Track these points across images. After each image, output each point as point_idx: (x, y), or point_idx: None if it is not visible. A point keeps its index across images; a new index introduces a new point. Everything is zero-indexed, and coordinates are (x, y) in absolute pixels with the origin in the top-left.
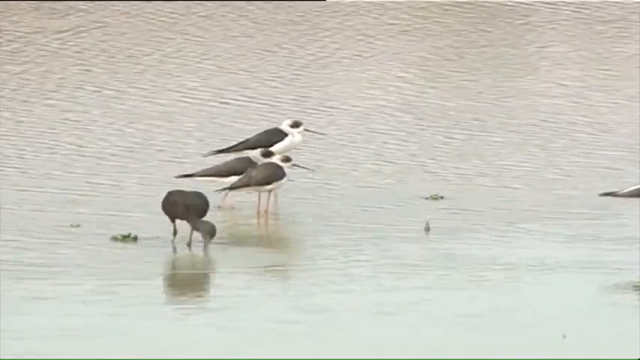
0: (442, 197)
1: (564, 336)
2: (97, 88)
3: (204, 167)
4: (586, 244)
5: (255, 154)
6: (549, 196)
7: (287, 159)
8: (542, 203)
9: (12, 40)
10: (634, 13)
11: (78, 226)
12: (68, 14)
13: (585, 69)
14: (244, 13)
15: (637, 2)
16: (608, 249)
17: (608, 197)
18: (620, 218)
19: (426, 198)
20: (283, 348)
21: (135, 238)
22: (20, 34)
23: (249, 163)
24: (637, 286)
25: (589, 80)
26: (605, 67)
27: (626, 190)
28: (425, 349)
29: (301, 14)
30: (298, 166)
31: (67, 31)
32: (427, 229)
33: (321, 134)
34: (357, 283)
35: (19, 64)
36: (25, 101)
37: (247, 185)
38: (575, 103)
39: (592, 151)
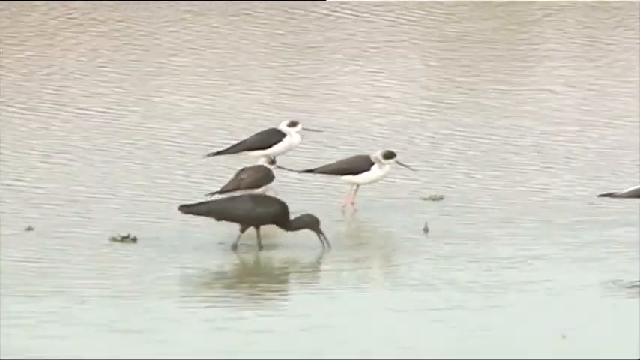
0: (441, 198)
1: (564, 336)
2: (91, 91)
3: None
4: (585, 244)
5: (377, 155)
6: (549, 197)
7: (391, 154)
8: (542, 204)
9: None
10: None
11: (31, 229)
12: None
13: (584, 68)
14: (244, 13)
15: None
16: (608, 249)
17: (608, 198)
18: (620, 219)
19: (425, 199)
20: (250, 354)
21: (134, 239)
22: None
23: (368, 161)
24: (637, 287)
25: (588, 80)
26: (602, 68)
27: (624, 191)
28: (422, 349)
29: (301, 14)
30: (402, 164)
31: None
32: (426, 229)
33: (318, 131)
34: (352, 285)
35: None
36: (25, 101)
37: (237, 189)
38: (575, 104)
39: (591, 151)
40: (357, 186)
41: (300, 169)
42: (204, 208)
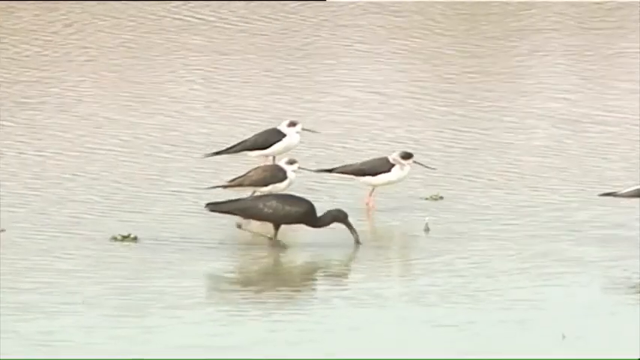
0: (442, 198)
1: (564, 336)
2: (97, 91)
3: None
4: (586, 243)
5: (395, 156)
6: (549, 195)
7: (408, 155)
8: (541, 203)
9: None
10: (631, 10)
11: (3, 230)
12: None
13: (581, 68)
14: (244, 14)
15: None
16: (608, 249)
17: (609, 197)
18: (620, 219)
19: (426, 198)
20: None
21: (135, 239)
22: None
23: (388, 163)
24: (637, 287)
25: (586, 79)
26: (600, 68)
27: (625, 191)
28: (423, 349)
29: (301, 14)
30: (420, 164)
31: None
32: (426, 229)
33: (317, 132)
34: (354, 285)
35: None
36: (24, 103)
37: (241, 185)
38: (575, 102)
39: (592, 151)
40: (373, 187)
41: (318, 169)
42: (230, 207)
